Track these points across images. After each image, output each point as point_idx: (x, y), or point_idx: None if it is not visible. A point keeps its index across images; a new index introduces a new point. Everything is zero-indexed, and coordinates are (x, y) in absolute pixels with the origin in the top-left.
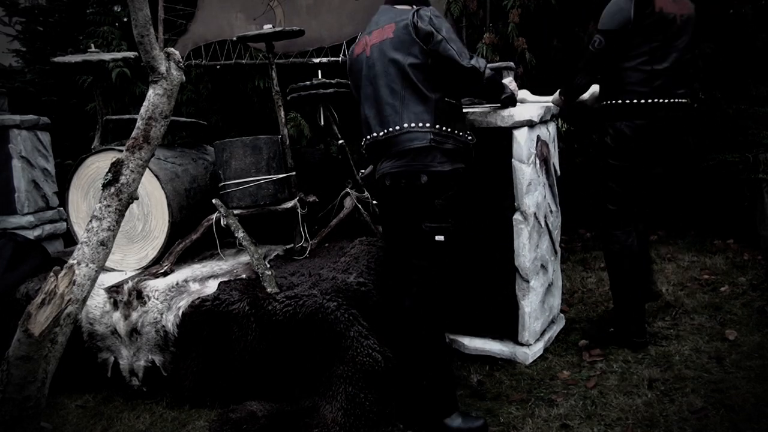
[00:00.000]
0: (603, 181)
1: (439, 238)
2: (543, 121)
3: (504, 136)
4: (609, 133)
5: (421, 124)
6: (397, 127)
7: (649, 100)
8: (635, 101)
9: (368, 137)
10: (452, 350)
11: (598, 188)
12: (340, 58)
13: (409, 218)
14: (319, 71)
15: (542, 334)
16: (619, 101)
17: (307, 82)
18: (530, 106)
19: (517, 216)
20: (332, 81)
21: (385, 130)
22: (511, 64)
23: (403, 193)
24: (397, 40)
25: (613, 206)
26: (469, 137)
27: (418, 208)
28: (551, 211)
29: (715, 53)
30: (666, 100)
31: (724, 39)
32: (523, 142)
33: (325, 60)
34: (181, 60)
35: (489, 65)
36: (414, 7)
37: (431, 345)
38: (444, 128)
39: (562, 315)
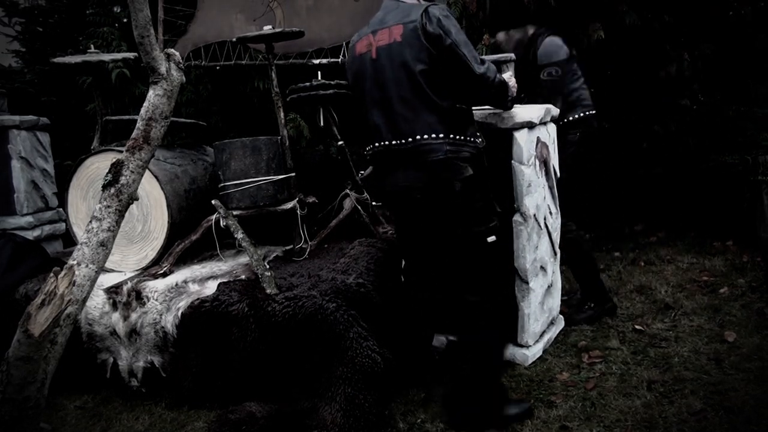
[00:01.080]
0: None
1: (491, 238)
2: (543, 123)
3: (504, 137)
4: (575, 141)
5: (434, 135)
6: (410, 139)
7: (594, 112)
8: (590, 113)
9: (378, 144)
10: None
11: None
12: (339, 60)
13: (452, 227)
14: (319, 72)
15: (541, 335)
16: (580, 115)
17: (307, 83)
18: (530, 107)
19: (516, 217)
20: (332, 82)
21: (399, 141)
22: (512, 56)
23: (439, 203)
24: (405, 44)
25: (568, 203)
26: (479, 140)
27: (459, 215)
28: (551, 213)
29: (715, 54)
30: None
31: (724, 40)
32: (523, 143)
33: (324, 61)
34: (181, 61)
35: (487, 57)
36: (421, 2)
37: (491, 342)
38: (458, 137)
39: (561, 316)
